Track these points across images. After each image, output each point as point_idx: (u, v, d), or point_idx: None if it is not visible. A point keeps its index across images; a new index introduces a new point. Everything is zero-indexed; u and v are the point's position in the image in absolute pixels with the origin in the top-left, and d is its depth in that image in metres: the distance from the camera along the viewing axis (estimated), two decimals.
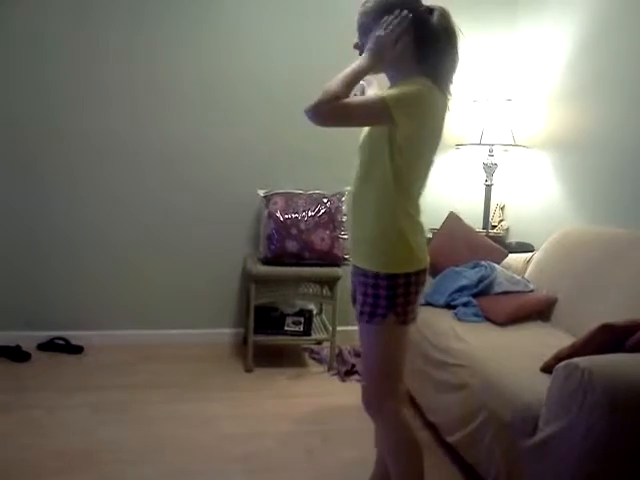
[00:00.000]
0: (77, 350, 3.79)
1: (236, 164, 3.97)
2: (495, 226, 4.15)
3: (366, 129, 1.97)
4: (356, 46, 1.99)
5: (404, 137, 1.82)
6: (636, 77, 3.13)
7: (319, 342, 3.97)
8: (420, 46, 1.90)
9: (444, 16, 1.91)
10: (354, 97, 1.90)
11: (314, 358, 3.88)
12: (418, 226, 1.98)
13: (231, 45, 3.90)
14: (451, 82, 1.94)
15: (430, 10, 1.91)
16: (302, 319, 3.77)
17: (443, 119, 1.92)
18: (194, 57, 3.87)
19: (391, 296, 1.90)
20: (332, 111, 1.83)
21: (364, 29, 1.94)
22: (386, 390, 2.01)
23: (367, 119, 1.88)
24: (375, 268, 1.91)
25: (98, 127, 3.80)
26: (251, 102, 3.95)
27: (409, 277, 1.91)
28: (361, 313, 1.96)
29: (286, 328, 3.75)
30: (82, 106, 3.77)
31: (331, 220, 3.71)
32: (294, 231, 3.66)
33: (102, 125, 3.80)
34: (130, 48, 3.78)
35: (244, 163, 3.97)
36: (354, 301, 2.05)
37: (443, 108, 1.91)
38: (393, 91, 1.83)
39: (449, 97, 1.94)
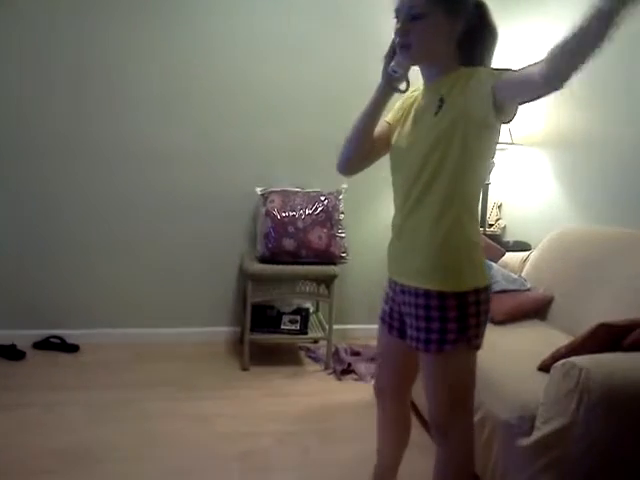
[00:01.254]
0: (73, 349, 3.77)
1: (233, 162, 3.96)
2: (492, 225, 4.15)
3: (425, 130, 1.74)
4: (400, 29, 1.72)
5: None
6: (633, 76, 3.11)
7: (315, 341, 3.96)
8: (468, 41, 1.75)
9: (486, 9, 1.79)
10: None
11: (310, 357, 3.87)
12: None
13: (227, 45, 3.88)
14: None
15: (478, 4, 1.77)
16: (299, 317, 3.77)
17: None
18: (191, 57, 3.85)
19: (462, 317, 1.70)
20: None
21: (414, 10, 1.68)
22: (462, 418, 1.85)
23: None
24: (439, 287, 1.70)
25: (97, 127, 3.78)
26: (248, 100, 3.94)
27: (479, 294, 1.73)
28: (425, 342, 1.73)
29: (282, 326, 3.74)
30: (82, 108, 3.76)
31: (328, 218, 3.70)
32: (291, 229, 3.65)
33: (100, 125, 3.79)
34: (127, 49, 3.76)
35: (241, 161, 3.96)
36: (391, 328, 1.91)
37: None
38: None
39: None
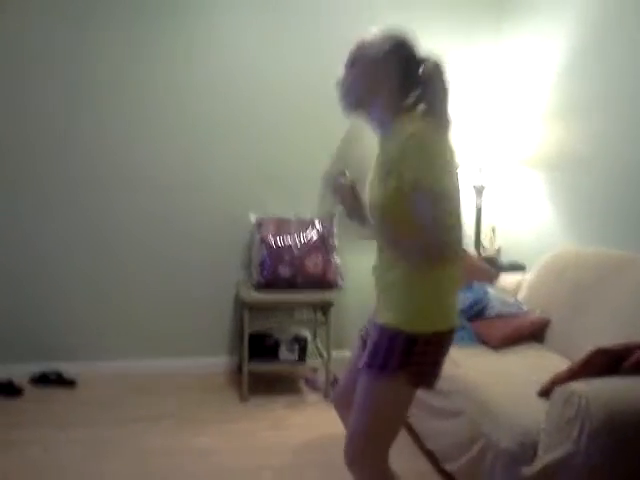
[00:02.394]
0: (70, 383, 3.74)
1: (227, 190, 3.96)
2: (486, 247, 4.15)
3: (378, 179, 1.85)
4: (339, 83, 1.91)
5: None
6: (628, 95, 3.10)
7: (314, 369, 3.95)
8: (423, 91, 1.87)
9: (438, 68, 1.86)
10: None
11: (309, 386, 3.85)
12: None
13: (219, 75, 3.91)
14: (447, 116, 1.89)
15: (424, 61, 1.87)
16: (297, 346, 3.75)
17: (449, 148, 1.85)
18: (184, 88, 3.88)
19: (406, 354, 1.78)
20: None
21: (351, 68, 1.88)
22: (372, 457, 1.90)
23: None
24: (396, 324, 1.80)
25: (91, 154, 3.80)
26: (242, 127, 3.95)
27: (430, 338, 1.80)
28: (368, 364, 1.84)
29: (281, 355, 3.72)
30: (78, 140, 3.78)
31: (323, 244, 3.71)
32: (286, 256, 3.66)
33: (94, 152, 3.80)
34: (120, 75, 3.79)
35: (235, 188, 3.97)
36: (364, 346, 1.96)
37: (447, 141, 1.86)
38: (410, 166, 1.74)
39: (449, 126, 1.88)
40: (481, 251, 4.03)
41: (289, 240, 3.70)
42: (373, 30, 1.90)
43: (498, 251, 4.15)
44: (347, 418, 2.01)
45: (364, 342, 1.99)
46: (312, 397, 3.71)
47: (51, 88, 3.72)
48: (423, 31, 3.86)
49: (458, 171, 1.84)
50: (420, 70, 1.85)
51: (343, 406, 2.09)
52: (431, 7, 4.05)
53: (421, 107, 1.86)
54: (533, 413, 2.15)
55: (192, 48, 3.87)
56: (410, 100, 1.87)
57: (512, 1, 4.06)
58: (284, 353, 3.72)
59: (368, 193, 1.93)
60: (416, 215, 1.73)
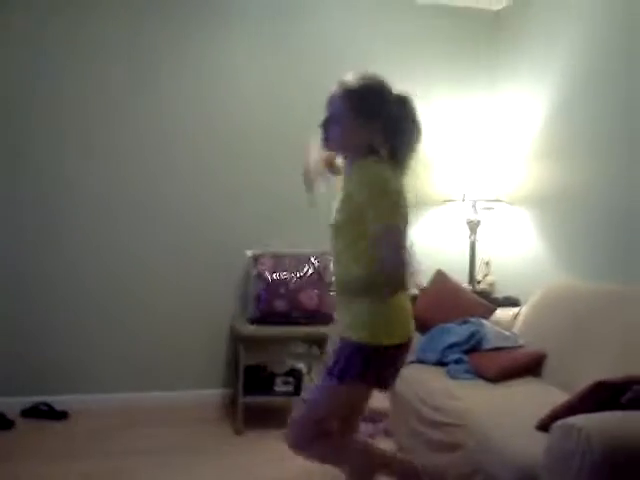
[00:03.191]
0: (61, 416, 3.71)
1: (223, 224, 4.00)
2: (480, 281, 4.19)
3: (341, 210, 2.06)
4: (320, 126, 2.08)
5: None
6: (608, 137, 3.28)
7: None
8: (386, 134, 2.04)
9: (408, 104, 2.05)
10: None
11: None
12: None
13: (219, 109, 3.98)
14: (409, 157, 2.07)
15: (398, 101, 2.04)
16: (292, 379, 3.74)
17: (403, 187, 2.04)
18: (183, 120, 3.94)
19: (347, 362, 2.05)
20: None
21: (331, 114, 2.05)
22: (317, 432, 2.17)
23: None
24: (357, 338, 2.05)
25: (87, 190, 3.83)
26: (238, 162, 4.01)
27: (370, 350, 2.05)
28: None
29: (276, 388, 3.71)
30: (69, 169, 3.81)
31: (319, 279, 3.73)
32: (282, 290, 3.67)
33: (89, 186, 3.83)
34: (119, 107, 3.85)
35: (232, 223, 4.00)
36: None
37: (399, 178, 2.05)
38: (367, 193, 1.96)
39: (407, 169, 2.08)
40: (475, 285, 4.06)
41: (285, 274, 3.72)
42: (349, 77, 2.04)
43: (492, 285, 4.19)
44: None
45: None
46: None
47: (63, 119, 3.79)
48: (424, 82, 4.05)
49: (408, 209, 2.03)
50: (392, 110, 2.02)
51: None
52: (431, 62, 4.23)
53: (386, 149, 2.04)
54: (532, 447, 2.14)
55: (193, 84, 3.94)
56: (378, 141, 2.04)
57: (506, 57, 4.24)
58: (279, 386, 3.71)
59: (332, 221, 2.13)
60: (377, 250, 1.94)
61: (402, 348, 2.12)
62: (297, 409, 2.25)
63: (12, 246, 3.75)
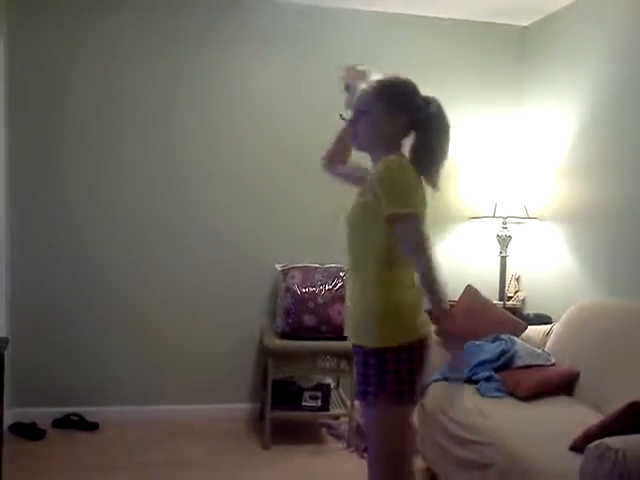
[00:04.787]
0: (92, 427, 3.74)
1: (253, 238, 4.02)
2: (511, 297, 4.15)
3: (356, 207, 2.04)
4: (349, 122, 2.10)
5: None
6: (638, 154, 3.25)
7: (337, 417, 3.91)
8: (413, 131, 2.02)
9: (440, 109, 2.02)
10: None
11: (332, 434, 3.81)
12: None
13: (247, 124, 4.02)
14: (437, 172, 2.02)
15: (427, 101, 2.02)
16: (319, 394, 3.73)
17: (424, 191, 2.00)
18: (214, 137, 3.99)
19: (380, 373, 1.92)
20: None
21: (360, 108, 2.04)
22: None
23: None
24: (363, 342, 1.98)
25: (118, 206, 3.89)
26: (269, 177, 4.04)
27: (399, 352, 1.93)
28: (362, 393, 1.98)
29: (304, 403, 3.70)
30: (101, 186, 3.88)
31: None
32: (311, 305, 3.68)
33: (120, 202, 3.89)
34: (148, 124, 3.92)
35: (261, 237, 4.02)
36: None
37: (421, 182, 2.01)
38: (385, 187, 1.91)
39: (435, 188, 2.02)
40: (505, 301, 4.02)
41: (314, 289, 3.72)
42: (378, 77, 2.06)
43: (523, 302, 4.14)
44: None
45: None
46: (335, 446, 3.67)
47: (85, 143, 3.86)
48: (453, 98, 4.04)
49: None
50: (421, 113, 1.99)
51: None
52: (460, 78, 4.22)
53: (415, 148, 2.01)
54: (565, 468, 2.11)
55: (225, 102, 3.99)
56: (404, 137, 2.03)
57: (535, 72, 4.22)
58: (307, 401, 3.70)
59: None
60: (402, 246, 1.90)
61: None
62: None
63: (44, 261, 3.82)
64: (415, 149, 2.02)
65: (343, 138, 2.24)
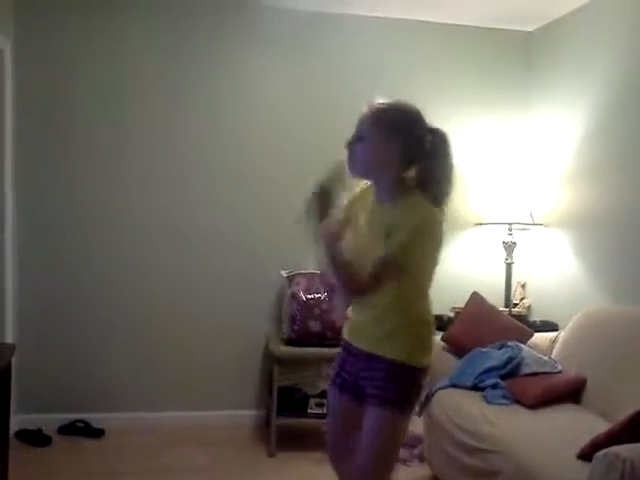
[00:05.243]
0: (98, 433, 3.74)
1: (259, 244, 4.02)
2: (517, 304, 4.13)
3: (372, 243, 1.98)
4: (347, 146, 2.03)
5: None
6: None
7: None
8: (415, 160, 1.99)
9: (444, 139, 2.00)
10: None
11: None
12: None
13: (253, 131, 4.02)
14: (446, 194, 2.00)
15: (430, 131, 1.99)
16: (325, 401, 3.71)
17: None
18: (218, 138, 4.00)
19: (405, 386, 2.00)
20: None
21: (359, 133, 2.01)
22: None
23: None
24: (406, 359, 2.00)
25: (125, 212, 3.90)
26: (274, 184, 4.03)
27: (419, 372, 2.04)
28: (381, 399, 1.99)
29: (309, 410, 3.70)
30: (107, 191, 3.88)
31: None
32: (317, 311, 3.68)
33: (129, 210, 3.90)
34: (154, 127, 3.92)
35: (267, 243, 4.02)
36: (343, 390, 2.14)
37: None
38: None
39: (445, 210, 2.00)
40: (511, 309, 4.01)
41: (320, 295, 3.72)
42: (381, 101, 2.00)
43: (528, 309, 4.13)
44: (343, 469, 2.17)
45: (341, 387, 2.15)
46: None
47: (93, 146, 3.86)
48: (458, 104, 4.04)
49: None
50: (426, 142, 1.97)
51: (339, 458, 2.20)
52: (465, 83, 4.23)
53: (420, 181, 1.99)
54: (572, 476, 2.10)
55: (223, 104, 3.99)
56: (412, 173, 2.00)
57: (540, 78, 4.22)
58: (313, 408, 3.69)
59: (355, 242, 2.07)
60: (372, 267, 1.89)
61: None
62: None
63: (51, 268, 3.83)
64: (420, 181, 1.99)
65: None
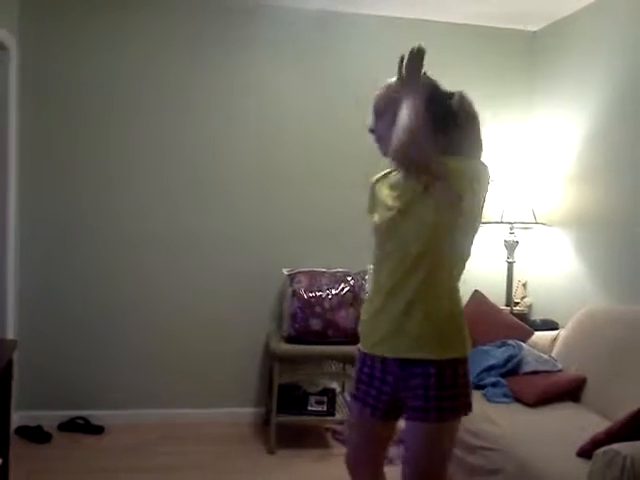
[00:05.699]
0: (98, 430, 3.74)
1: (260, 242, 4.02)
2: (518, 303, 4.13)
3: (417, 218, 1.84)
4: (371, 130, 1.98)
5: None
6: None
7: (342, 422, 3.89)
8: (439, 127, 1.87)
9: (464, 98, 1.95)
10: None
11: (337, 439, 3.80)
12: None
13: (256, 131, 4.02)
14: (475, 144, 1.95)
15: (451, 94, 1.96)
16: (325, 398, 3.72)
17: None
18: (220, 143, 3.99)
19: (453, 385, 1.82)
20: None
21: (379, 113, 1.94)
22: None
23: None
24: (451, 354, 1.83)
25: (128, 208, 3.90)
26: (274, 182, 4.04)
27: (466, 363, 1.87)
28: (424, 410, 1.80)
29: (309, 408, 3.69)
30: (111, 186, 3.88)
31: (354, 298, 3.72)
32: (318, 309, 3.67)
33: (131, 206, 3.90)
34: (161, 127, 3.92)
35: (268, 241, 4.02)
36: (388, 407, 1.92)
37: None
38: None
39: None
40: (512, 308, 4.01)
41: (321, 293, 3.72)
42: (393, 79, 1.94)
43: (529, 308, 4.13)
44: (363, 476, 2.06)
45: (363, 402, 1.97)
46: (340, 450, 3.64)
47: (102, 145, 3.87)
48: None
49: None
50: (447, 106, 1.92)
51: (359, 465, 2.09)
52: (469, 83, 4.09)
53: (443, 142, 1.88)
54: (573, 473, 2.11)
55: (230, 105, 3.99)
56: (440, 139, 1.87)
57: (543, 78, 4.22)
58: (313, 405, 3.69)
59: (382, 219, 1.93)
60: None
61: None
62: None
63: (51, 263, 3.82)
64: (450, 151, 1.89)
65: None
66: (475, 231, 1.90)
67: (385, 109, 1.91)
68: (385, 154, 1.90)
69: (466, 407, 1.85)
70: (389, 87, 1.95)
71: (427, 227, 1.81)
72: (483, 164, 1.90)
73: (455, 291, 1.90)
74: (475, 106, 1.96)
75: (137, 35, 3.88)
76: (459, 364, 1.83)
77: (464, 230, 1.87)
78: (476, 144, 1.96)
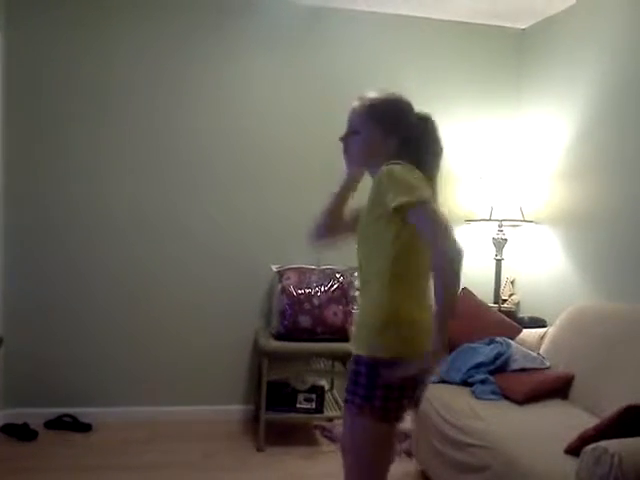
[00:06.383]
0: (85, 428, 3.72)
1: (249, 239, 4.01)
2: (505, 300, 4.15)
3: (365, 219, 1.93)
4: (341, 139, 2.02)
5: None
6: (634, 157, 3.26)
7: (330, 419, 3.90)
8: (407, 150, 1.93)
9: (434, 127, 1.98)
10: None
11: (326, 436, 3.80)
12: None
13: (243, 127, 4.01)
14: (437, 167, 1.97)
15: (421, 118, 1.98)
16: (314, 396, 3.71)
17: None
18: (212, 137, 3.98)
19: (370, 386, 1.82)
20: None
21: (352, 127, 1.99)
22: None
23: None
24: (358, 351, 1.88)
25: (118, 203, 3.87)
26: (263, 178, 4.03)
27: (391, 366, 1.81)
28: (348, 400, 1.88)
29: (298, 405, 3.68)
30: (101, 175, 3.85)
31: (344, 295, 3.72)
32: (307, 306, 3.66)
33: (121, 201, 3.88)
34: (152, 118, 3.90)
35: (257, 238, 4.01)
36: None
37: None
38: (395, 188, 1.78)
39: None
40: (500, 305, 4.02)
41: (310, 290, 3.71)
42: (372, 93, 1.99)
43: (517, 305, 4.14)
44: None
45: None
46: (328, 448, 3.66)
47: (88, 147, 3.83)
48: (450, 100, 4.05)
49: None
50: (414, 129, 1.95)
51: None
52: (457, 80, 4.24)
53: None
54: (560, 471, 2.10)
55: (219, 102, 3.98)
56: (397, 155, 1.92)
57: (532, 75, 4.23)
58: (302, 403, 3.69)
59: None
60: (421, 234, 1.76)
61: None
62: None
63: (38, 259, 3.79)
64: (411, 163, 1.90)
65: (336, 208, 2.14)
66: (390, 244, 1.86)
67: (361, 127, 1.97)
68: (351, 167, 2.04)
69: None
70: (365, 100, 1.98)
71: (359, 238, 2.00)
72: (389, 166, 1.84)
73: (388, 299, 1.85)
74: (441, 139, 1.98)
75: (125, 31, 3.84)
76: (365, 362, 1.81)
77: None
78: (434, 165, 1.97)
